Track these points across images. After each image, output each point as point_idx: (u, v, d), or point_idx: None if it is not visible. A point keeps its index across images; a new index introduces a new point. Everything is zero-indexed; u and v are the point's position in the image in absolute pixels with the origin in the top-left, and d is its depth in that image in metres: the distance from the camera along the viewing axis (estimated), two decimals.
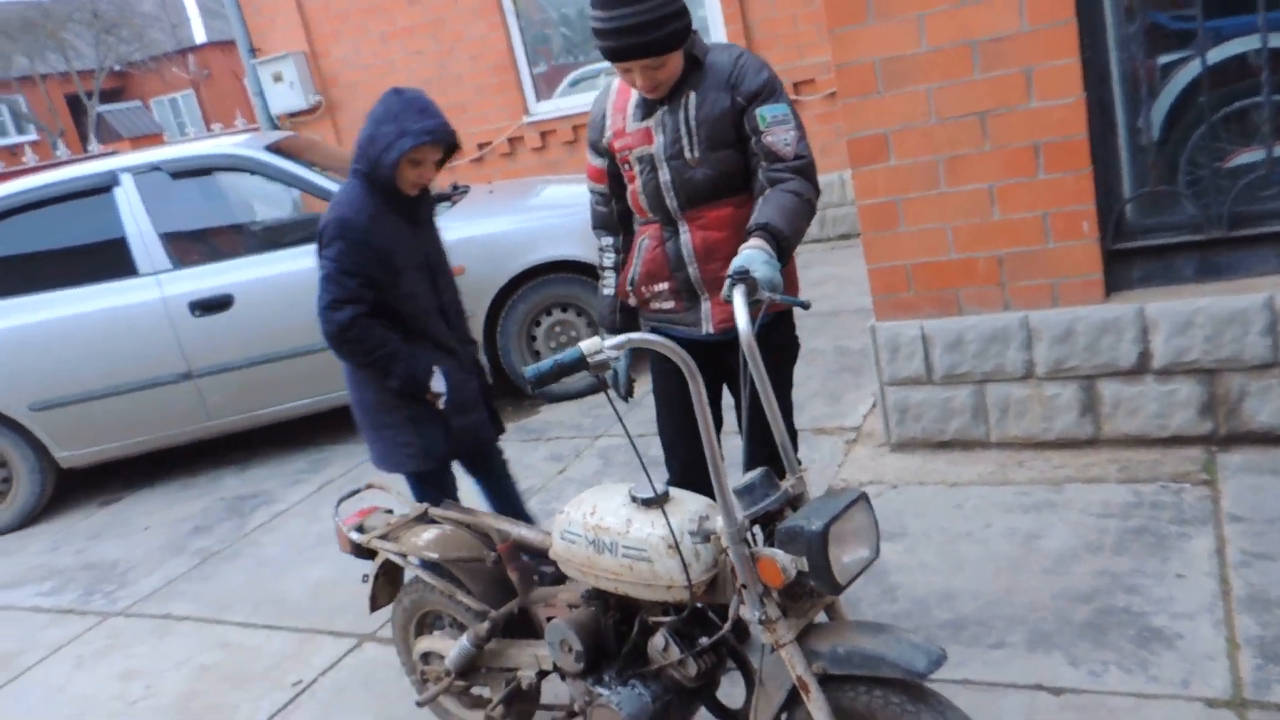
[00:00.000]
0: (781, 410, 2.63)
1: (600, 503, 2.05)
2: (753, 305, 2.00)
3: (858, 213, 3.76)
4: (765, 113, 2.36)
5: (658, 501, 1.96)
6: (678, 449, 2.68)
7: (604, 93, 2.60)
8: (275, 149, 5.37)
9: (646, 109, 2.45)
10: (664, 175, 2.43)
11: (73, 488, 5.46)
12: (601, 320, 2.79)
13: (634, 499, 2.00)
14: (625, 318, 2.72)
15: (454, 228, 4.75)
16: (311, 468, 5.10)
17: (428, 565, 2.48)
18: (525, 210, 5.57)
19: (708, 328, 2.47)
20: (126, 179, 5.10)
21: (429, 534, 2.51)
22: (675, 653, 2.02)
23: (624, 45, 2.25)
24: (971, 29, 3.38)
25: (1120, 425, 3.53)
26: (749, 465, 2.05)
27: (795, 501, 1.92)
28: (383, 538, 2.52)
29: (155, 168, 5.13)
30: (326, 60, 9.24)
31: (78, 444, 5.10)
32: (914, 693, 1.78)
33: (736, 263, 2.09)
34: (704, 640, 2.00)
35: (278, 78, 9.17)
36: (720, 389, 2.71)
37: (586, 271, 5.06)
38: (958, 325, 3.67)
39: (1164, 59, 3.45)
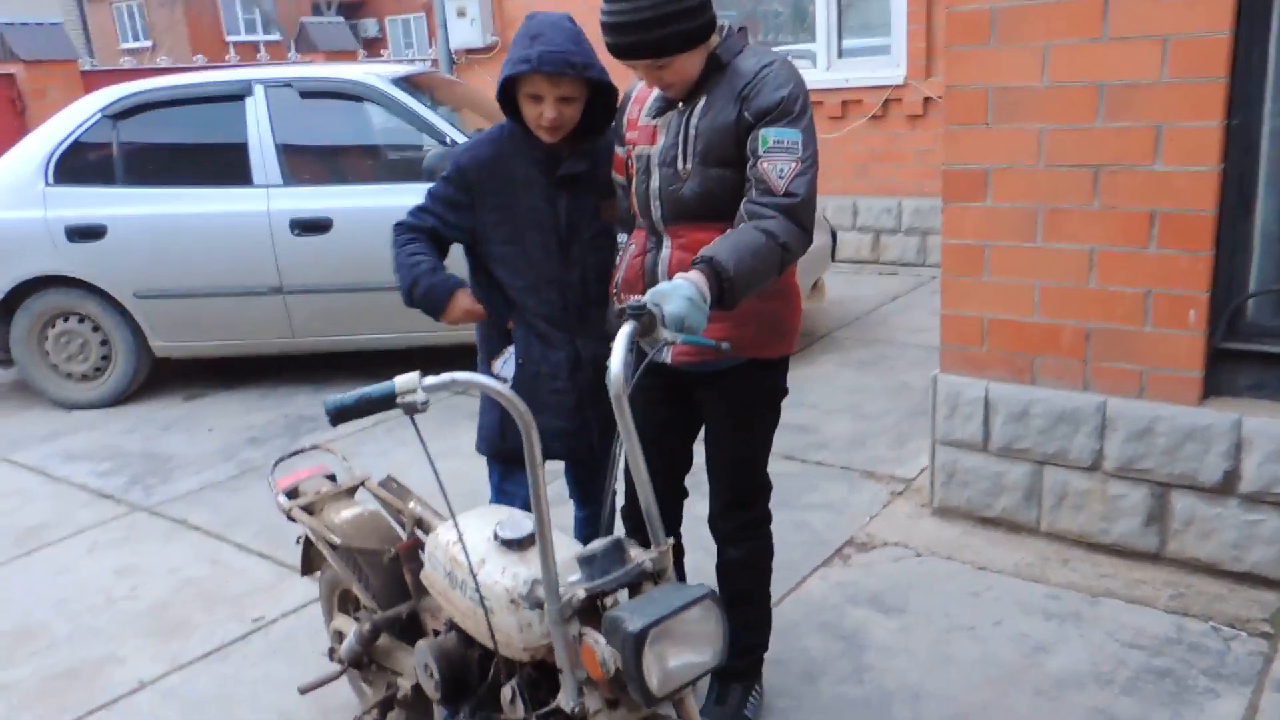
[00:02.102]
0: (747, 462, 2.41)
1: (470, 531, 1.88)
2: (652, 345, 1.77)
3: (940, 250, 3.41)
4: (769, 135, 2.07)
5: (518, 545, 1.78)
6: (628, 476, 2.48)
7: (637, 81, 2.40)
8: (407, 83, 5.41)
9: (661, 105, 2.23)
10: (654, 181, 2.21)
11: (166, 376, 5.72)
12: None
13: (496, 536, 1.82)
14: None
15: None
16: None
17: (333, 548, 2.38)
18: None
19: (667, 356, 2.24)
20: (259, 90, 5.25)
21: (346, 514, 2.42)
22: (519, 710, 1.84)
23: (624, 42, 2.05)
24: (1102, 69, 2.96)
25: (1188, 546, 3.08)
26: (607, 531, 1.83)
27: (657, 577, 1.70)
28: (307, 508, 2.44)
29: (287, 84, 5.26)
30: (509, 2, 9.30)
31: (172, 336, 5.34)
32: None
33: (650, 293, 1.86)
34: (551, 705, 1.81)
35: (461, 12, 9.30)
36: (694, 424, 2.47)
37: None
38: (1027, 395, 3.28)
39: None
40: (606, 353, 2.32)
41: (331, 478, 2.62)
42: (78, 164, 5.33)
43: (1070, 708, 2.53)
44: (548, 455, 2.38)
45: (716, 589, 2.47)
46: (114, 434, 5.02)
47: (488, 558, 1.81)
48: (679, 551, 2.58)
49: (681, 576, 2.60)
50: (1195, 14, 2.77)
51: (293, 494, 2.54)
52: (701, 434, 2.46)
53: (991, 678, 2.67)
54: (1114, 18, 2.89)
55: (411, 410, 1.52)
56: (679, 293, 1.81)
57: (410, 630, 2.25)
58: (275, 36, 31.03)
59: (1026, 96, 3.10)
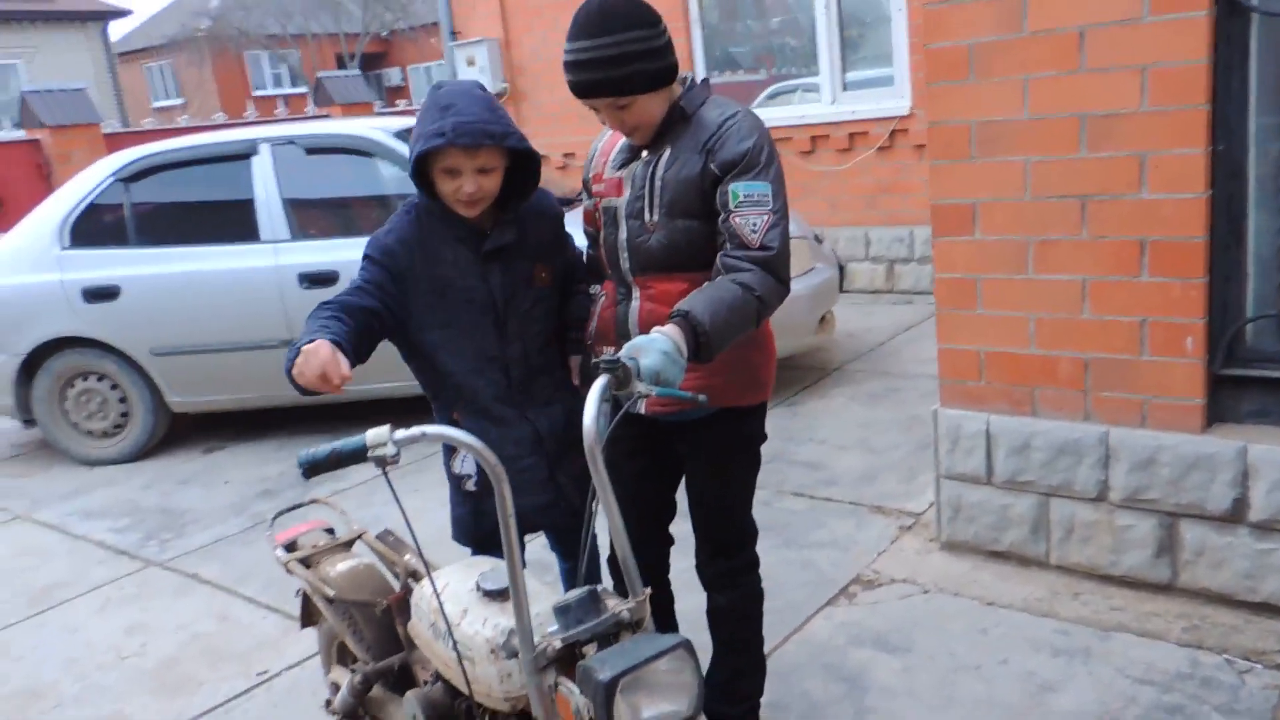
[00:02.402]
0: (726, 509, 2.40)
1: (455, 582, 1.90)
2: (626, 398, 1.78)
3: (934, 286, 3.40)
4: (739, 189, 2.09)
5: (500, 596, 1.79)
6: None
7: (604, 132, 2.42)
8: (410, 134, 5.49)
9: (625, 158, 2.26)
10: (622, 234, 2.22)
11: (185, 430, 5.80)
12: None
13: (479, 587, 1.83)
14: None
15: None
16: None
17: (328, 601, 2.39)
18: None
19: (640, 406, 2.24)
20: (265, 149, 5.36)
21: (341, 567, 2.44)
22: None
23: (584, 80, 2.07)
24: (1082, 100, 2.96)
25: (1200, 577, 3.02)
26: (588, 580, 1.83)
27: (635, 627, 1.70)
28: (304, 561, 2.46)
29: (291, 141, 5.37)
30: (517, 49, 9.45)
31: (188, 391, 5.42)
32: None
33: (626, 347, 1.87)
34: None
35: (470, 61, 9.45)
36: (674, 472, 2.47)
37: None
38: (1028, 427, 3.25)
39: None
40: (564, 420, 2.34)
41: (330, 531, 2.64)
42: (92, 227, 5.46)
43: None
44: (529, 529, 2.39)
45: (710, 634, 2.48)
46: (133, 489, 5.09)
47: (470, 609, 1.83)
48: (668, 599, 2.57)
49: (672, 624, 2.58)
50: (1172, 43, 2.77)
51: (291, 547, 2.56)
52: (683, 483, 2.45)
53: (995, 719, 2.62)
54: (1091, 49, 2.89)
55: (383, 463, 1.54)
56: (655, 346, 1.83)
57: (403, 682, 2.26)
58: (302, 89, 31.71)
59: (1009, 130, 3.10)
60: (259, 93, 31.01)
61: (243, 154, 5.37)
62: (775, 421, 4.95)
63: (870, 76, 7.77)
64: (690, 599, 2.66)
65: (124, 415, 5.53)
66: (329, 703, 2.52)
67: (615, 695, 1.54)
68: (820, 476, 4.30)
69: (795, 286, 5.15)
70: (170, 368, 5.35)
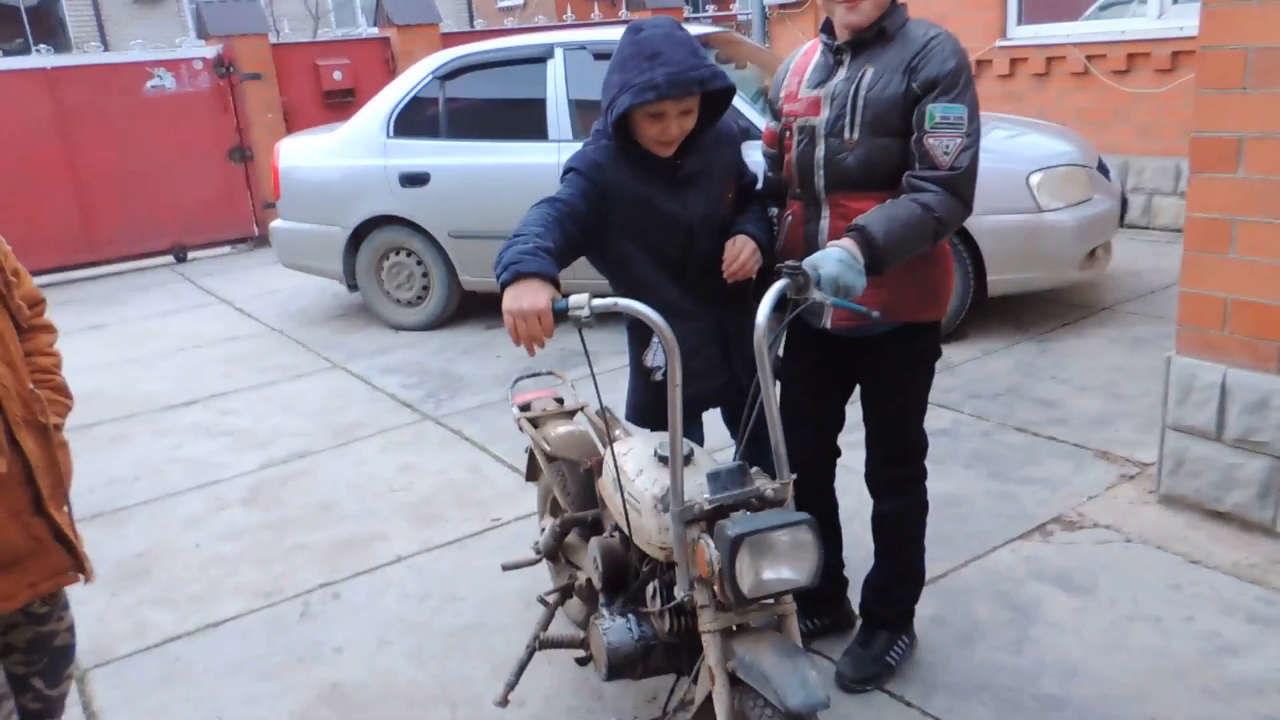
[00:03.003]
0: (899, 420, 2.51)
1: (638, 447, 2.19)
2: (803, 304, 1.95)
3: (1184, 224, 3.19)
4: (936, 110, 2.15)
5: (669, 461, 2.04)
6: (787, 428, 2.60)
7: (796, 51, 2.52)
8: (703, 42, 5.72)
9: (821, 77, 2.35)
10: (819, 151, 2.32)
11: (471, 308, 6.50)
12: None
13: (656, 453, 2.10)
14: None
15: None
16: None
17: (546, 456, 2.77)
18: None
19: (826, 321, 2.38)
20: (559, 53, 5.79)
21: (561, 429, 2.80)
22: (657, 603, 2.14)
23: None
24: None
25: None
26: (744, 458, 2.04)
27: (779, 505, 1.90)
28: (533, 421, 2.85)
29: (582, 47, 5.75)
30: None
31: (477, 272, 6.07)
32: None
33: (807, 260, 2.03)
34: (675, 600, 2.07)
35: None
36: (849, 385, 2.59)
37: None
38: (1267, 384, 3.03)
39: None
40: (742, 316, 2.48)
41: (560, 401, 3.02)
42: (412, 119, 6.18)
43: (1237, 711, 2.40)
44: (703, 406, 2.64)
45: (872, 539, 2.63)
46: (424, 354, 5.85)
47: (645, 469, 2.11)
48: (833, 506, 2.72)
49: (836, 531, 2.74)
50: None
51: (526, 409, 2.97)
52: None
53: (1159, 669, 2.58)
54: None
55: (579, 324, 1.85)
56: (833, 257, 2.01)
57: (594, 532, 2.59)
58: None
59: None
60: None
61: (540, 58, 5.84)
62: (1018, 356, 4.87)
63: None
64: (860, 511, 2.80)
65: (425, 288, 6.32)
66: (537, 544, 2.93)
67: (740, 551, 1.77)
68: (1051, 415, 4.18)
69: (1061, 217, 5.01)
70: (464, 249, 6.03)
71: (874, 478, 2.60)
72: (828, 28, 2.33)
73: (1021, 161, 5.04)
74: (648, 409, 2.63)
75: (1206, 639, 2.68)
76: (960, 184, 2.19)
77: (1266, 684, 2.49)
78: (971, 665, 2.66)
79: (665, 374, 2.57)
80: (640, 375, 2.63)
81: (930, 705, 2.52)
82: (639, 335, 2.58)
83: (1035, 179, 4.93)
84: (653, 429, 2.69)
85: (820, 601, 2.78)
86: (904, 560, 2.63)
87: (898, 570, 2.64)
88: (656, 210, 2.37)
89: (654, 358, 2.57)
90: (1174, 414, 3.30)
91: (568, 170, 2.36)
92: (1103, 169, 5.45)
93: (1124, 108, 7.30)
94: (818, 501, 2.58)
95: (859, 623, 2.73)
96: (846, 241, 2.08)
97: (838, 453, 2.68)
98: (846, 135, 2.28)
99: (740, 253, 2.37)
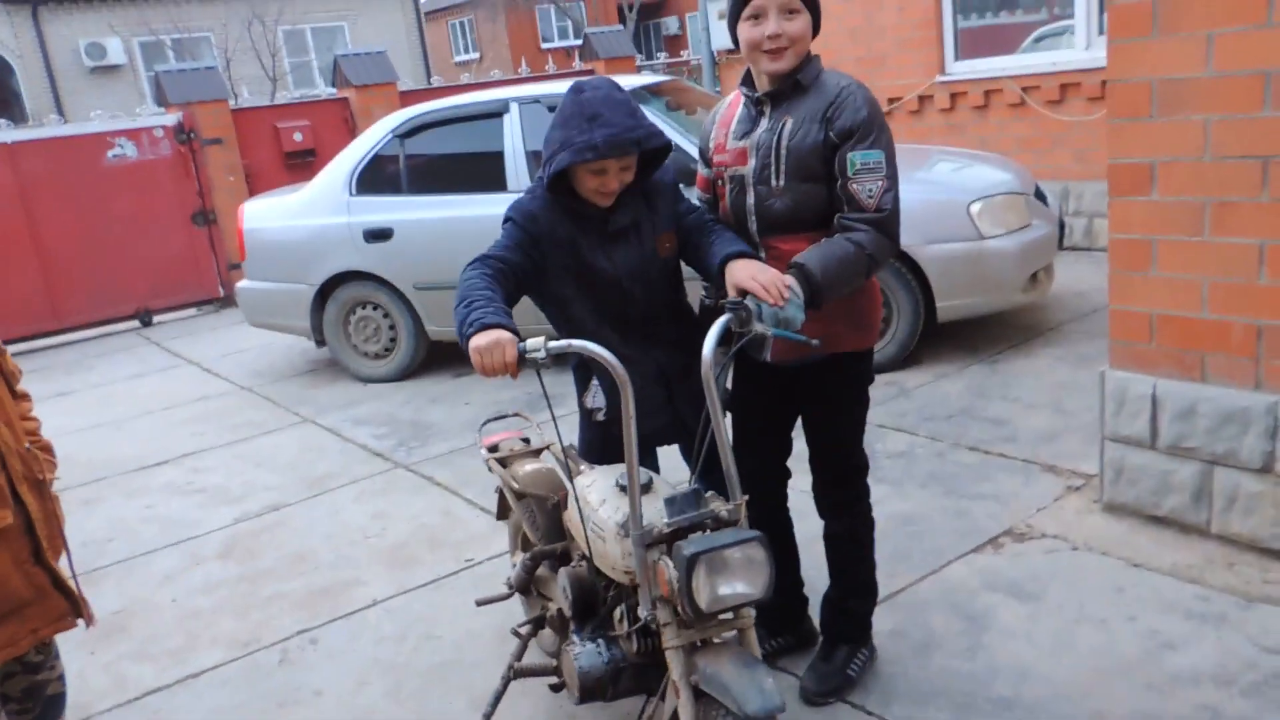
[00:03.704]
0: (839, 444, 2.65)
1: (600, 479, 2.31)
2: (746, 336, 2.10)
3: (1108, 245, 3.39)
4: (856, 158, 2.33)
5: (628, 489, 2.16)
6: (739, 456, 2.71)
7: (720, 104, 2.70)
8: (647, 91, 5.93)
9: (747, 127, 2.52)
10: (749, 199, 2.48)
11: (439, 357, 6.61)
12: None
13: (617, 483, 2.22)
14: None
15: None
16: None
17: (515, 494, 2.88)
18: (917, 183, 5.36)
19: (767, 354, 2.53)
20: (514, 107, 5.98)
21: (528, 467, 2.91)
22: (624, 626, 2.26)
23: None
24: (1268, 56, 2.87)
25: None
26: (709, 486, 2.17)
27: (731, 526, 2.03)
28: (501, 461, 2.97)
29: (536, 100, 5.94)
30: None
31: (443, 322, 6.19)
32: None
33: (750, 295, 2.18)
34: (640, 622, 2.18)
35: (721, 15, 9.69)
36: (793, 413, 2.73)
37: None
38: (1194, 393, 3.21)
39: None
40: (684, 356, 2.60)
41: (526, 440, 3.14)
42: (373, 176, 6.33)
43: (1176, 702, 2.54)
44: (652, 442, 2.74)
45: (825, 558, 2.76)
46: (393, 404, 5.94)
47: (608, 499, 2.23)
48: (786, 524, 2.86)
49: (791, 548, 2.87)
50: None
51: (494, 450, 3.08)
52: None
53: (1104, 667, 2.71)
54: None
55: (535, 366, 1.99)
56: None
57: (563, 564, 2.70)
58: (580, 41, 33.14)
59: (1190, 87, 3.05)
60: (546, 45, 32.71)
61: (496, 112, 6.03)
62: (969, 379, 5.04)
63: None
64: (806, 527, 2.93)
65: (392, 340, 6.43)
66: (509, 579, 3.03)
67: (696, 568, 1.89)
68: (1000, 433, 4.35)
69: (1004, 243, 5.23)
70: (429, 300, 6.15)
71: (821, 500, 2.74)
72: (747, 80, 2.50)
73: (962, 192, 5.26)
74: (594, 447, 2.74)
75: (1148, 637, 2.83)
76: (887, 223, 2.37)
77: (1202, 676, 2.63)
78: (928, 673, 2.78)
79: (605, 414, 2.70)
80: (584, 416, 2.75)
81: (890, 713, 2.64)
82: (581, 378, 2.71)
83: (976, 208, 5.14)
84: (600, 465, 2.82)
85: (783, 620, 2.90)
86: (856, 575, 2.76)
87: (851, 585, 2.77)
88: (586, 263, 2.48)
89: (593, 399, 2.69)
90: (1111, 425, 3.47)
91: (506, 219, 2.49)
92: (1040, 195, 5.69)
93: (1060, 135, 7.60)
94: (770, 520, 2.71)
95: (820, 639, 2.85)
96: (787, 278, 2.23)
97: (788, 474, 2.82)
98: (773, 183, 2.44)
99: (760, 278, 2.25)
